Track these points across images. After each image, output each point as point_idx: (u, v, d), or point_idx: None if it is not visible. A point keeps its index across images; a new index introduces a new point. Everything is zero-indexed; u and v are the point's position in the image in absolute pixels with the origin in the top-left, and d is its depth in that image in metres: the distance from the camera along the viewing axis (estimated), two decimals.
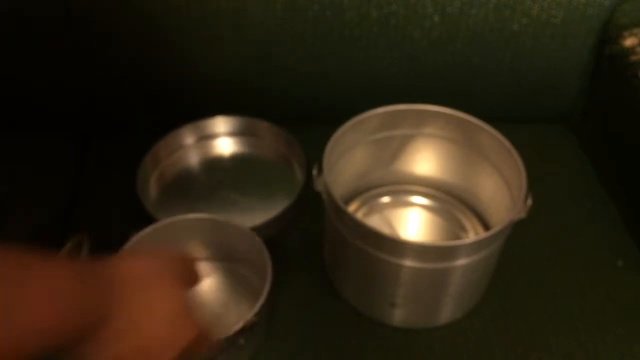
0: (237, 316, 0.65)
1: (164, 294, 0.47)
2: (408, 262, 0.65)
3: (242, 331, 0.64)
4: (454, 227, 0.83)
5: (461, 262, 0.65)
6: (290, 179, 0.90)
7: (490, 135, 0.73)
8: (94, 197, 0.88)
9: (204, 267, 0.79)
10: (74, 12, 0.85)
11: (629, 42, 0.86)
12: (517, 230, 0.82)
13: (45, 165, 0.91)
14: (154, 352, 0.45)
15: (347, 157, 0.77)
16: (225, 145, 0.96)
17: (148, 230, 0.74)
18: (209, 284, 0.78)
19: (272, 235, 0.81)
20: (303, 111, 0.98)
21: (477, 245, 0.65)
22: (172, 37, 0.89)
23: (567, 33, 0.90)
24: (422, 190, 0.86)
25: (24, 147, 0.93)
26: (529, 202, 0.66)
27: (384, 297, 0.71)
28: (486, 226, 0.81)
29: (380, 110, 0.75)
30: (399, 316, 0.73)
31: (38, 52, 0.89)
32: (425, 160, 0.83)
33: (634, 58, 0.84)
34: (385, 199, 0.86)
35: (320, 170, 0.69)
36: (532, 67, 0.93)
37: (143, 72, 0.93)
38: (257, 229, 0.75)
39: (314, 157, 0.90)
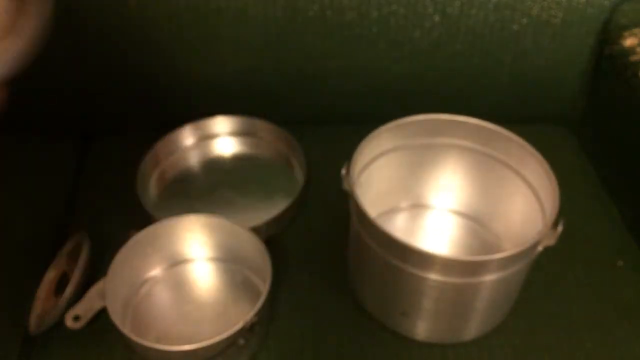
0: (237, 316, 0.65)
1: None
2: (433, 276, 0.62)
3: (242, 331, 0.64)
4: (478, 242, 0.80)
5: (488, 278, 0.62)
6: (290, 179, 0.90)
7: (532, 156, 0.71)
8: (94, 197, 0.88)
9: (204, 267, 0.79)
10: (73, 11, 0.85)
11: (629, 42, 0.86)
12: None
13: (45, 166, 0.91)
14: None
15: (378, 162, 0.75)
16: (225, 145, 0.95)
17: (148, 230, 0.74)
18: (209, 284, 0.78)
19: (272, 235, 0.81)
20: (303, 111, 0.98)
21: (504, 262, 0.62)
22: (172, 36, 0.89)
23: (567, 33, 0.90)
24: (446, 204, 0.84)
25: (24, 147, 0.93)
26: (559, 228, 0.63)
27: (403, 307, 0.69)
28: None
29: (422, 117, 0.74)
30: (420, 329, 0.71)
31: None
32: (453, 173, 0.80)
33: (634, 58, 0.84)
34: (407, 209, 0.84)
35: (348, 170, 0.67)
36: (532, 67, 0.93)
37: (143, 72, 0.93)
38: (257, 229, 0.75)
39: (314, 157, 0.91)
